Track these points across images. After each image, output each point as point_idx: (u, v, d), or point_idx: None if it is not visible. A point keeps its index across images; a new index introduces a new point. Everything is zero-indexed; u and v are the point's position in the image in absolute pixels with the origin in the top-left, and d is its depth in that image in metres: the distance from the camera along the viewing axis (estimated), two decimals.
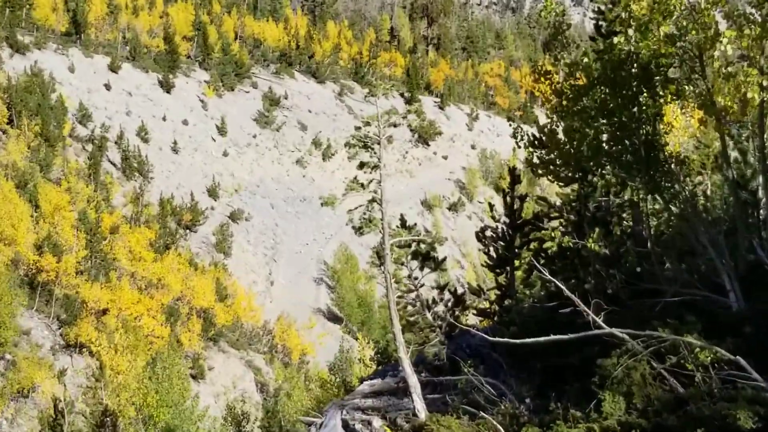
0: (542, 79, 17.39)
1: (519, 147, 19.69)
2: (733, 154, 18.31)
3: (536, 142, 20.03)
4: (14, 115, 78.19)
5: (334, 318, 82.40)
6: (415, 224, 23.58)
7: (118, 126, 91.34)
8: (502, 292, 23.14)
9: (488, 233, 23.30)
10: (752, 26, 13.52)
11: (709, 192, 19.32)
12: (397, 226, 21.04)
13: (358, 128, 17.73)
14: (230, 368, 66.09)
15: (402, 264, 22.20)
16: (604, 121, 16.14)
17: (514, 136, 19.79)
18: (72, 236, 62.37)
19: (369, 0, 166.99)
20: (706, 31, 14.02)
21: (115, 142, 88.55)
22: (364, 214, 17.83)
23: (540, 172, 20.01)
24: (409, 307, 22.58)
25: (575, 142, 17.15)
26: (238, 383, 64.33)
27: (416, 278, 22.39)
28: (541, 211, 22.58)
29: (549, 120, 18.81)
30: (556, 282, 14.68)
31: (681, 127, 16.81)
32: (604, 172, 17.94)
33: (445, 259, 24.41)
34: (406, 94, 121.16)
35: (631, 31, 14.87)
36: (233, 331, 70.06)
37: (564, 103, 16.92)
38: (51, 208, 64.51)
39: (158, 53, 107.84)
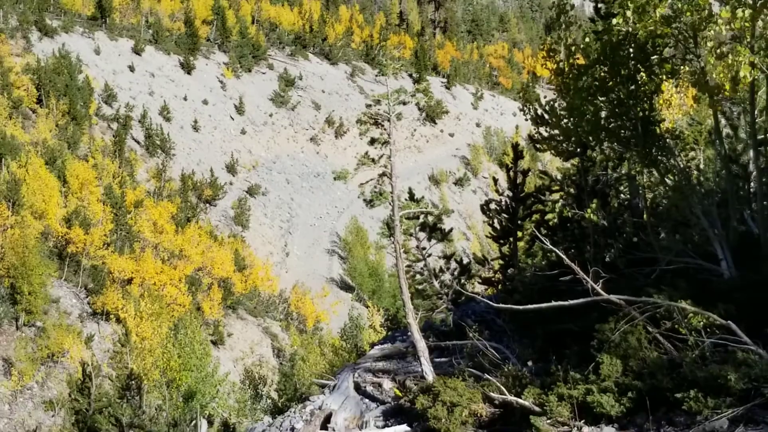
0: (548, 57, 17.35)
1: (527, 120, 19.71)
2: (725, 129, 18.29)
3: (539, 119, 20.02)
4: (43, 95, 78.25)
5: (346, 287, 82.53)
6: (423, 197, 23.58)
7: (141, 106, 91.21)
8: (506, 262, 23.14)
9: (492, 206, 23.27)
10: (744, 8, 13.46)
11: (702, 166, 19.29)
12: (406, 199, 21.02)
13: (369, 106, 17.69)
14: (248, 334, 66.30)
15: (411, 235, 22.22)
16: (603, 98, 16.12)
17: (522, 109, 19.86)
18: (99, 210, 62.51)
19: None
20: (701, 12, 13.96)
21: (139, 121, 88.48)
22: (375, 187, 17.82)
23: (542, 147, 20.00)
24: (418, 276, 22.63)
25: (576, 119, 17.12)
26: (256, 348, 64.51)
27: (424, 248, 22.42)
28: (542, 184, 22.55)
29: (552, 98, 18.81)
30: (557, 251, 14.68)
31: (676, 105, 16.77)
32: (602, 147, 17.94)
33: (451, 230, 24.44)
34: (414, 75, 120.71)
35: (629, 13, 14.79)
36: (251, 300, 70.23)
37: (565, 81, 16.89)
38: (78, 183, 64.64)
39: (179, 36, 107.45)
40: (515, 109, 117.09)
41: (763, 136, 15.70)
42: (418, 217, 21.80)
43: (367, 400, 17.05)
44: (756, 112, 15.22)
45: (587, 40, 16.18)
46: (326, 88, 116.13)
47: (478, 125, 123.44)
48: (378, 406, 16.76)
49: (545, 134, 19.77)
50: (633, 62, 15.41)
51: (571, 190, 20.10)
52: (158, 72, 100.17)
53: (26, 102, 77.08)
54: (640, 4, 14.52)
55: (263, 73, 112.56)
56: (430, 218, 22.36)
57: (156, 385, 36.96)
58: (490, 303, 16.38)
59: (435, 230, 22.47)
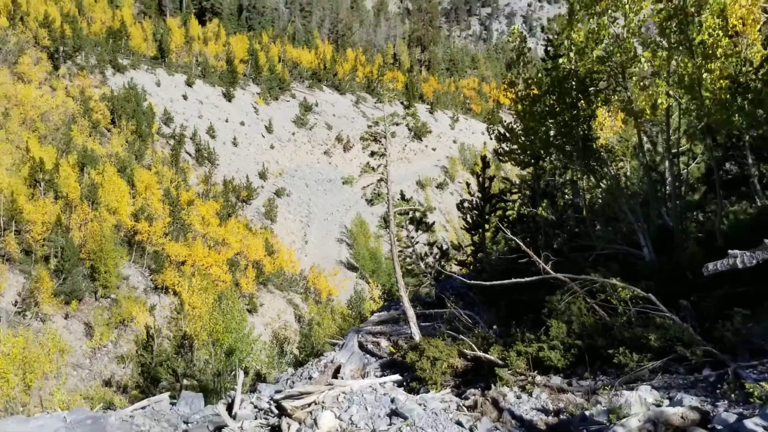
0: (509, 88, 17.34)
1: (491, 139, 19.74)
2: (647, 145, 18.28)
3: (501, 137, 20.01)
4: (116, 118, 78.38)
5: (352, 268, 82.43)
6: (412, 198, 23.53)
7: (192, 126, 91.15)
8: (476, 248, 23.13)
9: (466, 204, 23.25)
10: (662, 50, 13.47)
11: (628, 173, 19.28)
12: (399, 199, 20.96)
13: (369, 127, 17.66)
14: (276, 305, 66.28)
15: (402, 227, 22.20)
16: (552, 121, 16.11)
17: (488, 130, 19.88)
18: (159, 207, 62.52)
19: (378, 32, 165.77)
20: (628, 53, 13.97)
21: (191, 138, 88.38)
22: (374, 190, 17.79)
23: (504, 159, 19.99)
24: (408, 259, 22.60)
25: (530, 137, 17.11)
26: (282, 316, 64.51)
27: (412, 237, 22.39)
28: (504, 187, 22.55)
29: (512, 121, 18.81)
30: (516, 240, 14.67)
31: (608, 126, 16.75)
32: (551, 158, 17.93)
33: (434, 223, 24.41)
34: (405, 102, 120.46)
35: (572, 54, 14.80)
36: (278, 277, 70.18)
37: (522, 107, 16.88)
38: (143, 186, 64.66)
39: (222, 72, 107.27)
40: (483, 129, 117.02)
41: (676, 150, 15.71)
42: (408, 213, 21.76)
43: (368, 356, 17.04)
44: (670, 131, 15.24)
45: (539, 75, 16.18)
46: (336, 112, 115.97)
47: (454, 142, 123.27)
48: (377, 360, 16.75)
49: (507, 149, 19.77)
50: (575, 93, 15.41)
51: (527, 192, 20.10)
52: (206, 100, 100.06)
53: (102, 123, 77.19)
54: (580, 48, 14.53)
55: (287, 101, 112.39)
56: (417, 214, 22.32)
57: (204, 344, 36.87)
58: (464, 280, 16.36)
59: (421, 223, 22.44)
